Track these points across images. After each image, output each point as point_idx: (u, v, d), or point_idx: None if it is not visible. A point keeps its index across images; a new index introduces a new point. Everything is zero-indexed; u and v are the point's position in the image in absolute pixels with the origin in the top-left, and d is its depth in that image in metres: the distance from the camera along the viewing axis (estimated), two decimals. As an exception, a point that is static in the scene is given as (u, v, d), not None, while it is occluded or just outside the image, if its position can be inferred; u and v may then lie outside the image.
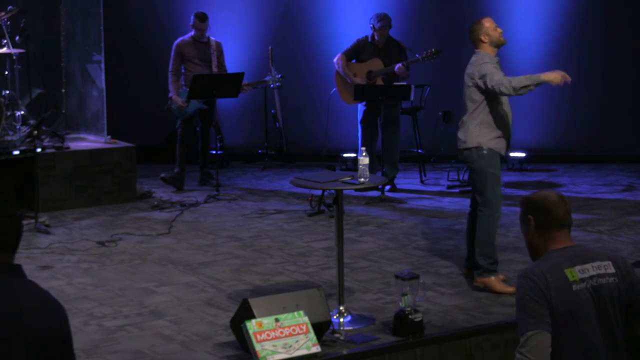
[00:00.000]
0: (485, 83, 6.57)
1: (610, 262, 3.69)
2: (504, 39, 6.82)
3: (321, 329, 5.61)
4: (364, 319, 6.09)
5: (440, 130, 11.29)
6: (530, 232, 3.76)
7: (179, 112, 10.26)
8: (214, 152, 10.77)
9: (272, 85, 11.15)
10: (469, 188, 10.10)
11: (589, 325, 3.58)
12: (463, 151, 6.76)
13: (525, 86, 6.46)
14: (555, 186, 10.44)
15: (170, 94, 10.24)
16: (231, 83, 10.04)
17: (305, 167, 11.36)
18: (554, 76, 6.43)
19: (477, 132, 6.68)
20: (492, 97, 6.66)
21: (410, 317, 5.75)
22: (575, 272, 3.61)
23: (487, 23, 6.84)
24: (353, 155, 10.94)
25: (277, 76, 10.78)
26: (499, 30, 6.81)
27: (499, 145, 6.75)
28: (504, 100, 6.77)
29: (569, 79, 6.44)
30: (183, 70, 10.33)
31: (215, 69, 10.28)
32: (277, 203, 9.68)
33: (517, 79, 6.47)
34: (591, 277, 3.62)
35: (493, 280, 6.67)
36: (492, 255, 6.74)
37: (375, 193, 9.78)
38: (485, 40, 6.80)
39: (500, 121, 6.73)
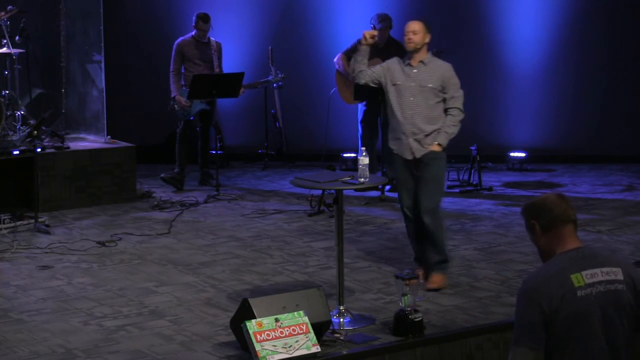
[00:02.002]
0: None
1: (620, 269, 3.62)
2: (408, 45, 6.80)
3: (321, 329, 5.61)
4: (364, 319, 6.09)
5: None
6: (537, 236, 3.69)
7: (183, 113, 10.25)
8: (214, 152, 10.76)
9: (274, 85, 11.16)
10: (469, 188, 10.15)
11: (590, 331, 3.53)
12: None
13: (356, 61, 6.82)
14: (555, 186, 10.44)
15: (173, 94, 10.22)
16: (231, 83, 10.03)
17: (305, 167, 11.35)
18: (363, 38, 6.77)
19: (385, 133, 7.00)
20: (387, 98, 6.84)
21: (410, 317, 5.76)
22: (582, 277, 3.55)
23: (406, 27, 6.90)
24: (353, 155, 10.93)
25: (279, 75, 10.82)
26: (406, 35, 6.81)
27: (396, 147, 6.83)
28: (396, 102, 6.79)
29: (372, 33, 6.79)
30: (183, 70, 10.32)
31: (217, 69, 10.28)
32: (277, 203, 9.67)
33: None
34: (599, 283, 3.55)
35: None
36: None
37: (375, 193, 9.78)
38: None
39: (393, 123, 6.84)
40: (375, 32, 6.86)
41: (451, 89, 6.75)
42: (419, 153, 6.72)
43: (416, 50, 6.78)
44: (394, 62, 6.87)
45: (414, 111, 6.72)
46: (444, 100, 6.74)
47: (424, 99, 6.72)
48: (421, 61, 6.79)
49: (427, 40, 6.81)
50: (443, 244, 6.84)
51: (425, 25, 6.83)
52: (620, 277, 3.60)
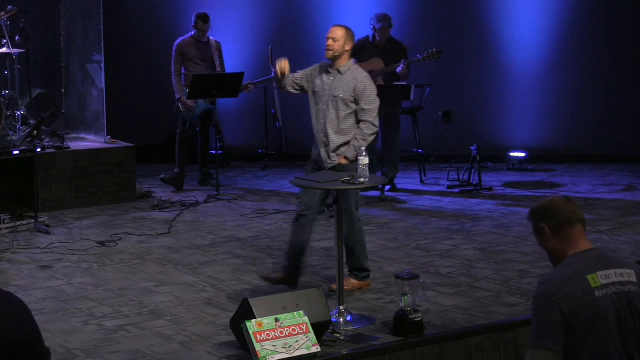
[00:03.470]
0: None
1: (633, 271, 3.61)
2: (326, 53, 6.64)
3: (321, 329, 5.61)
4: (364, 319, 6.09)
5: (440, 130, 11.29)
6: (547, 239, 3.66)
7: (188, 114, 10.24)
8: (214, 152, 10.76)
9: (275, 84, 11.18)
10: (470, 188, 10.15)
11: (608, 332, 3.50)
12: None
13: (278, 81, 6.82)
14: (555, 186, 10.44)
15: (177, 96, 10.21)
16: (231, 83, 10.03)
17: (305, 167, 11.33)
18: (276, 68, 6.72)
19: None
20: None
21: (410, 317, 5.75)
22: (598, 278, 3.53)
23: None
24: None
25: None
26: (326, 41, 6.67)
27: (314, 155, 6.77)
28: (313, 109, 6.76)
29: (280, 65, 6.66)
30: (184, 71, 10.31)
31: (219, 69, 10.28)
32: (277, 203, 9.67)
33: None
34: (613, 284, 3.54)
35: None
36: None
37: (375, 193, 9.77)
38: None
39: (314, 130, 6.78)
40: (284, 65, 6.69)
41: (362, 101, 6.57)
42: (327, 165, 6.64)
43: (335, 58, 6.64)
44: (318, 68, 6.75)
45: (325, 120, 6.65)
46: (357, 112, 6.60)
47: (335, 108, 6.61)
48: (338, 69, 6.65)
49: (347, 48, 6.61)
50: (360, 251, 6.76)
51: (348, 32, 6.65)
52: (634, 279, 3.59)
